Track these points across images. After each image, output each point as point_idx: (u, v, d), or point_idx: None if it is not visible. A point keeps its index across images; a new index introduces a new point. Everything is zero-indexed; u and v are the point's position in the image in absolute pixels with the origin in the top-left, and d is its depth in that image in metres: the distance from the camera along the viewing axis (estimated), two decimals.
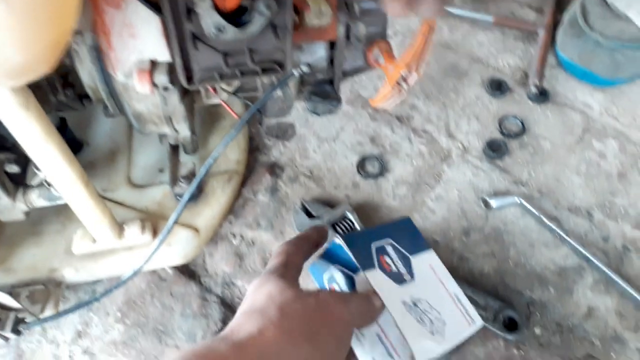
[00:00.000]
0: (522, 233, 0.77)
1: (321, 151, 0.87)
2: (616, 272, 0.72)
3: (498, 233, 0.77)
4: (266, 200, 0.81)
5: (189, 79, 0.57)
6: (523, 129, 0.86)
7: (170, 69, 0.58)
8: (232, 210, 0.81)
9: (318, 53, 0.64)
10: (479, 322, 0.50)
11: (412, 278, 0.48)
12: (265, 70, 0.57)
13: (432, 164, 0.85)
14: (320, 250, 0.50)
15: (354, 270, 0.46)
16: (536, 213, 0.76)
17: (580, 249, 0.73)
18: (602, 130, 0.87)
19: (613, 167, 0.83)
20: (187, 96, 0.67)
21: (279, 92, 0.66)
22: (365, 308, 0.44)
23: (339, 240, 0.47)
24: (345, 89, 0.93)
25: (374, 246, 0.48)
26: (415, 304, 0.46)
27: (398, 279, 0.47)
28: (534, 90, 0.89)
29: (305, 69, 0.58)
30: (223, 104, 0.63)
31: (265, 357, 0.38)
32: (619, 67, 0.88)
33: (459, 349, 0.67)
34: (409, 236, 0.53)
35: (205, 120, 0.85)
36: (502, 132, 0.86)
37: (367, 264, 0.46)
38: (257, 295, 0.43)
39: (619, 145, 0.85)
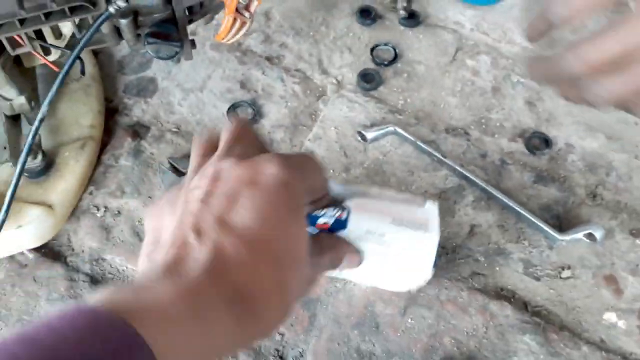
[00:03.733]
0: (401, 161, 0.75)
1: (187, 104, 0.80)
2: (495, 187, 0.72)
3: (378, 164, 0.74)
4: (129, 165, 0.74)
5: None
6: (396, 56, 0.83)
7: None
8: (92, 180, 0.73)
9: None
10: None
11: None
12: (74, 10, 0.50)
13: (307, 103, 0.81)
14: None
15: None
16: (412, 139, 0.74)
17: (459, 168, 0.72)
18: (474, 47, 0.85)
19: (487, 82, 0.82)
20: (4, 54, 0.59)
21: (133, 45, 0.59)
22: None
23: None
24: (209, 34, 0.86)
25: None
26: None
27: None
28: (403, 13, 0.86)
29: (121, 3, 0.51)
30: (37, 55, 0.55)
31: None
32: None
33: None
34: None
35: (50, 83, 0.75)
36: (375, 62, 0.83)
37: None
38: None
39: (491, 61, 0.84)
